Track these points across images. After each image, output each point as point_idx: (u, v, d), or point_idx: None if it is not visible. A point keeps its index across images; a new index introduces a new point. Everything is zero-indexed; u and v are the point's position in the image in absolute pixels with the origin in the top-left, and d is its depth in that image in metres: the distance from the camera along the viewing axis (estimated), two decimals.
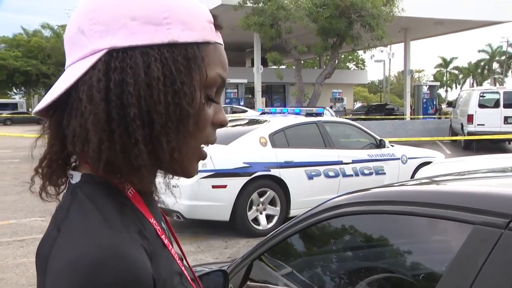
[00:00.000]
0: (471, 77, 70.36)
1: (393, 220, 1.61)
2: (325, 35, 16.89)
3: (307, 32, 17.24)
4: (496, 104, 15.73)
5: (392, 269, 1.78)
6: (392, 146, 7.53)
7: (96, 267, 0.55)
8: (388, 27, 16.68)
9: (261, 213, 6.06)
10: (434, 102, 24.47)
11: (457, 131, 17.38)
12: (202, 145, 0.71)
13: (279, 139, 6.31)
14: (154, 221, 0.68)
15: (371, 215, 1.60)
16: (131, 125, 0.61)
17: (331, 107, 22.76)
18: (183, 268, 0.73)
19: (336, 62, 19.61)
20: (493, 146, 15.45)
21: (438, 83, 31.18)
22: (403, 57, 24.99)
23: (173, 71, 0.63)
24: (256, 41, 20.97)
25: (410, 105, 24.73)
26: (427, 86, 24.62)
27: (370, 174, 6.83)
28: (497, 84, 49.05)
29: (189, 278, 0.74)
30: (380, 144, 7.21)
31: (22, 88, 46.90)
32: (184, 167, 0.69)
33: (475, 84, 64.70)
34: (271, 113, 7.93)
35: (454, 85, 73.79)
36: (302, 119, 6.90)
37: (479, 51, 66.52)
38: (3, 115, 40.10)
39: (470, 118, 15.58)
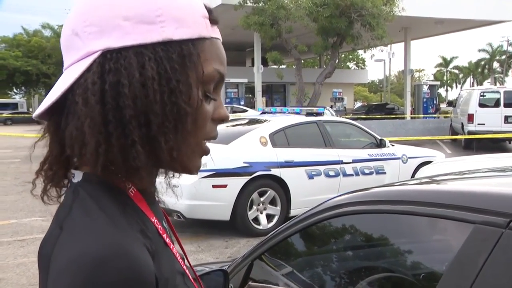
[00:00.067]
0: (471, 76, 70.36)
1: (393, 220, 1.61)
2: (325, 35, 16.90)
3: (307, 32, 17.24)
4: (497, 104, 15.72)
5: (393, 268, 1.78)
6: (393, 145, 7.53)
7: (99, 265, 0.55)
8: (388, 26, 16.67)
9: (261, 213, 6.06)
10: (435, 102, 24.48)
11: (457, 130, 17.37)
12: (205, 140, 0.70)
13: (279, 138, 6.31)
14: (155, 220, 0.68)
15: (372, 214, 1.60)
16: (128, 126, 0.60)
17: (331, 107, 22.75)
18: (184, 267, 0.73)
19: (337, 62, 19.62)
20: (494, 145, 15.46)
21: (438, 83, 31.20)
22: (403, 57, 25.00)
23: (168, 69, 0.62)
24: (256, 40, 20.98)
25: (411, 105, 24.74)
26: (428, 86, 24.65)
27: (371, 173, 6.83)
28: (498, 84, 48.96)
29: (191, 277, 0.74)
30: (380, 144, 7.21)
31: (23, 88, 46.92)
32: (185, 165, 0.69)
33: (475, 84, 64.69)
34: (271, 112, 7.94)
35: (454, 85, 73.80)
36: (302, 118, 6.90)
37: (480, 50, 66.62)
38: (4, 115, 40.13)
39: (470, 118, 15.57)
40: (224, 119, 0.71)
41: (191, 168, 0.70)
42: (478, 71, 67.73)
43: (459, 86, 70.89)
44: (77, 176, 0.66)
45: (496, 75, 62.85)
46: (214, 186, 5.66)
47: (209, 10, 0.69)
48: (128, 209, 0.64)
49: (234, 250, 5.41)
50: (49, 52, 40.28)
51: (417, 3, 19.00)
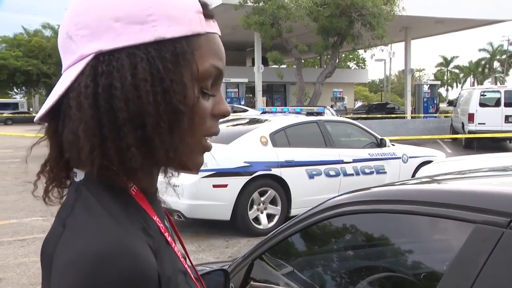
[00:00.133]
0: (472, 76, 70.31)
1: (394, 219, 1.61)
2: (325, 34, 16.91)
3: (308, 31, 17.24)
4: (497, 103, 15.72)
5: (393, 268, 1.78)
6: (393, 145, 7.53)
7: (102, 263, 0.55)
8: (388, 26, 16.68)
9: (262, 213, 6.06)
10: (435, 101, 24.48)
11: (458, 130, 17.37)
12: (206, 137, 0.70)
13: (280, 138, 6.31)
14: (157, 219, 0.68)
15: (372, 214, 1.59)
16: (122, 129, 0.60)
17: (331, 106, 22.72)
18: (186, 266, 0.73)
19: (337, 61, 19.63)
20: (494, 145, 15.46)
21: (438, 82, 31.20)
22: (403, 56, 25.01)
23: (161, 69, 0.61)
24: (256, 40, 20.99)
25: (411, 104, 24.73)
26: (428, 85, 24.65)
27: (371, 173, 6.83)
28: (498, 83, 49.01)
29: (193, 277, 0.74)
30: (381, 143, 7.21)
31: (23, 88, 46.96)
32: (184, 164, 0.68)
33: (475, 83, 64.64)
34: (271, 112, 7.94)
35: (454, 84, 73.76)
36: (303, 118, 6.90)
37: (480, 50, 66.57)
38: (4, 114, 40.09)
39: (471, 117, 15.58)
40: (224, 114, 0.70)
41: (191, 166, 0.69)
42: (479, 70, 67.70)
43: (459, 85, 70.89)
44: (79, 175, 0.66)
45: (497, 75, 62.86)
46: (214, 186, 5.66)
47: (204, 4, 0.67)
48: (130, 208, 0.64)
49: (235, 250, 5.41)
50: (49, 52, 40.35)
51: (418, 2, 19.00)
